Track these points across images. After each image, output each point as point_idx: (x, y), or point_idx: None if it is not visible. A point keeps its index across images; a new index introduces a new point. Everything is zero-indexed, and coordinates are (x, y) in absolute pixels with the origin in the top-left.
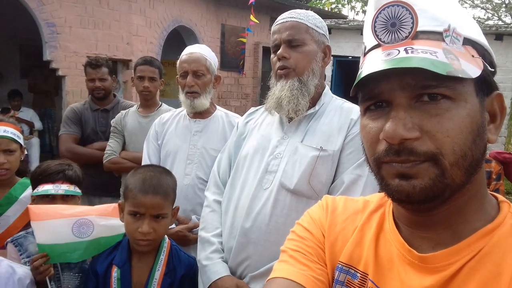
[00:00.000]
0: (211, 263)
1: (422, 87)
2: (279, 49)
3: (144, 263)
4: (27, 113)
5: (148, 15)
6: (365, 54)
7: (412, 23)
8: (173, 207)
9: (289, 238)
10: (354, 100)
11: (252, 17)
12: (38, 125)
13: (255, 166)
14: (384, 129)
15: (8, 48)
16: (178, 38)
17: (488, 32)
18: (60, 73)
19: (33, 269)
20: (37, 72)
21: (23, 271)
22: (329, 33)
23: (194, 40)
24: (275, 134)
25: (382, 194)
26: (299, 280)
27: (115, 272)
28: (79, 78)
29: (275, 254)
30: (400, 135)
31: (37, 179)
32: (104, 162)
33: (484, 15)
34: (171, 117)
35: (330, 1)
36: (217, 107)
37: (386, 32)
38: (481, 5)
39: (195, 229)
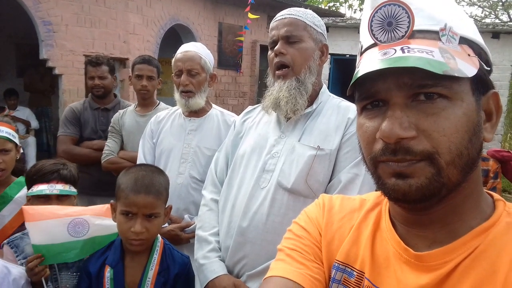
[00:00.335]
0: (208, 262)
1: (418, 87)
2: (276, 45)
3: (137, 262)
4: (24, 112)
5: (145, 13)
6: (361, 53)
7: (409, 22)
8: (166, 206)
9: (286, 237)
10: (351, 98)
11: (250, 15)
12: (34, 124)
13: (252, 165)
14: (381, 129)
15: (4, 47)
16: (175, 37)
17: (485, 30)
18: (56, 71)
19: (28, 270)
20: (32, 71)
21: (18, 271)
22: (327, 31)
23: (192, 38)
24: (272, 133)
25: (379, 192)
26: (296, 279)
27: (108, 272)
28: (76, 76)
29: (272, 253)
30: (397, 135)
31: (32, 179)
32: (102, 162)
33: (482, 13)
34: (166, 116)
35: None
36: (213, 105)
37: (383, 31)
38: (478, 3)
39: (187, 229)
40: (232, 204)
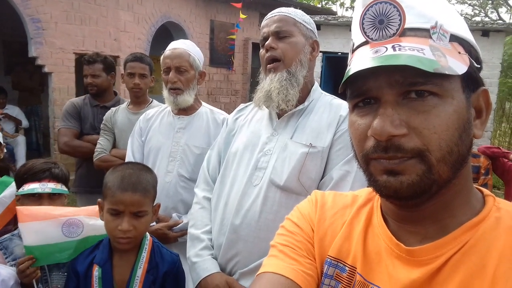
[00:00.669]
0: (200, 260)
1: (409, 84)
2: (267, 41)
3: (126, 261)
4: (13, 111)
5: (136, 10)
6: (353, 51)
7: (400, 20)
8: (154, 204)
9: (278, 233)
10: (343, 96)
11: (241, 14)
12: (25, 123)
13: (245, 162)
14: (372, 126)
15: None
16: (166, 34)
17: (475, 28)
18: (46, 69)
19: (19, 272)
20: (20, 69)
21: (7, 272)
22: (319, 29)
23: (183, 36)
24: (264, 130)
25: (371, 188)
26: (288, 275)
27: (96, 271)
28: (66, 75)
29: (264, 250)
30: (388, 132)
31: (22, 178)
32: (94, 160)
33: (472, 11)
34: (155, 114)
35: None
36: (203, 103)
37: (374, 29)
38: (469, 1)
39: (175, 227)
40: (224, 201)
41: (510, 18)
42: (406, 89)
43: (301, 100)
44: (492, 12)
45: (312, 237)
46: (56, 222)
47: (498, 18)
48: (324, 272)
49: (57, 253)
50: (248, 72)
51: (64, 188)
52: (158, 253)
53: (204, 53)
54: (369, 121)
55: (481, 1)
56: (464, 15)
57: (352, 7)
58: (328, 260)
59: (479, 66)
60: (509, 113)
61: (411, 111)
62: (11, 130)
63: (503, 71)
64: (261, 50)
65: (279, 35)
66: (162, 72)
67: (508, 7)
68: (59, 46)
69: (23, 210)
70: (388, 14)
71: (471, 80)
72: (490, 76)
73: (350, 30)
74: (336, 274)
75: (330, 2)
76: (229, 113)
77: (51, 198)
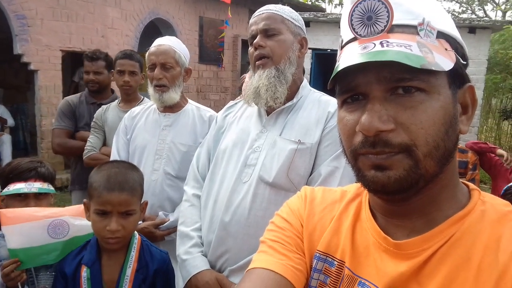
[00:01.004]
0: (190, 257)
1: (397, 80)
2: (256, 39)
3: (115, 260)
4: None
5: (123, 7)
6: (342, 47)
7: (388, 16)
8: (141, 202)
9: (268, 229)
10: (332, 92)
11: (230, 11)
12: (10, 121)
13: (234, 159)
14: (360, 122)
15: None
16: (155, 31)
17: (462, 25)
18: (32, 67)
19: (3, 275)
20: (5, 66)
21: None
22: (308, 26)
23: (172, 32)
24: (254, 127)
25: (359, 184)
26: (278, 270)
27: (84, 272)
28: (52, 72)
29: (254, 247)
30: (376, 127)
31: (7, 178)
32: (84, 158)
33: (459, 8)
34: (141, 111)
35: None
36: (189, 100)
37: (363, 26)
38: None
39: (162, 226)
40: (214, 199)
41: (496, 16)
42: (393, 85)
43: (290, 97)
44: (479, 10)
45: (302, 232)
46: (41, 224)
47: (484, 15)
48: (313, 266)
49: (44, 255)
50: (237, 69)
51: (50, 187)
52: (148, 252)
53: (193, 50)
54: (358, 116)
55: None
56: (451, 12)
57: (341, 4)
58: (317, 254)
59: (465, 62)
60: (495, 109)
61: (399, 106)
62: None
63: (489, 68)
64: (249, 48)
65: (267, 33)
66: (147, 69)
67: (494, 5)
68: (45, 43)
69: (6, 213)
70: (376, 11)
71: (457, 76)
72: (477, 72)
73: (339, 27)
74: (325, 268)
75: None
76: (219, 110)
77: (38, 198)
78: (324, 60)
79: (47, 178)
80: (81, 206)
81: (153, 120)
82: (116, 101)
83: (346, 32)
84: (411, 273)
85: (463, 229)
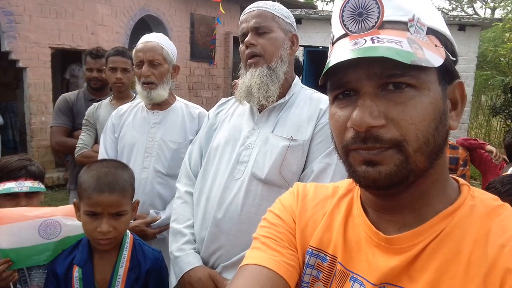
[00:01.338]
0: (183, 254)
1: (387, 76)
2: (247, 37)
3: (107, 260)
4: None
5: (113, 3)
6: (333, 43)
7: (378, 13)
8: (133, 201)
9: (261, 225)
10: (323, 89)
11: (221, 8)
12: None
13: (227, 156)
14: (352, 117)
15: None
16: (145, 28)
17: (452, 22)
18: (20, 64)
19: None
20: None
21: None
22: (300, 23)
23: (163, 29)
24: (246, 124)
25: (351, 180)
26: (270, 266)
27: (76, 272)
28: (41, 69)
29: (247, 243)
30: (367, 123)
31: None
32: (75, 156)
33: (449, 6)
34: (128, 109)
35: None
36: (177, 98)
37: (353, 22)
38: None
39: (153, 224)
40: (206, 196)
41: (485, 13)
42: (384, 81)
43: (282, 94)
44: (468, 7)
45: (294, 228)
46: (32, 224)
47: (474, 13)
48: (306, 262)
49: (35, 255)
50: (229, 66)
51: (41, 186)
52: (140, 251)
53: (184, 47)
54: (349, 112)
55: None
56: (441, 10)
57: (332, 1)
58: (310, 250)
59: (454, 59)
60: (485, 105)
61: (389, 102)
62: None
63: (479, 65)
64: (240, 46)
65: (258, 31)
66: (134, 66)
67: (483, 2)
68: (34, 40)
69: None
70: (367, 7)
71: (447, 73)
72: (467, 69)
73: (331, 24)
74: (318, 263)
75: None
76: (211, 107)
77: (28, 197)
78: (316, 57)
79: (37, 176)
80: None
81: (141, 117)
82: (108, 98)
83: (337, 28)
84: (403, 267)
85: (453, 224)
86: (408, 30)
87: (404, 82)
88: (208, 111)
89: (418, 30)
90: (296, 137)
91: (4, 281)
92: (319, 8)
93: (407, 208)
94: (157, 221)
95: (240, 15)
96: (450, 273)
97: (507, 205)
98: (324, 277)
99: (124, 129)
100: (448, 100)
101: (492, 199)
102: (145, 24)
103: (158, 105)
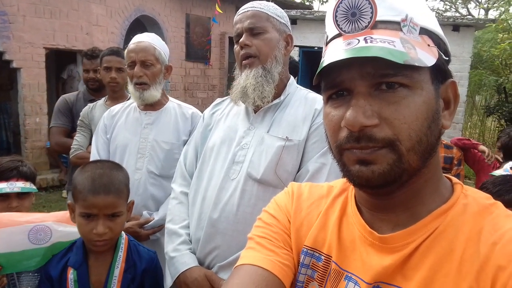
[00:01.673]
0: (179, 255)
1: (380, 76)
2: (241, 38)
3: (102, 261)
4: None
5: (108, 3)
6: (327, 43)
7: (372, 13)
8: (128, 201)
9: (256, 225)
10: (318, 89)
11: (217, 7)
12: None
13: (222, 157)
14: (345, 117)
15: None
16: (141, 28)
17: (446, 23)
18: (14, 65)
19: None
20: None
21: None
22: (295, 24)
23: (158, 30)
24: (241, 124)
25: (345, 179)
26: (265, 266)
27: (71, 274)
28: (36, 70)
29: (243, 243)
30: (360, 123)
31: None
32: (70, 157)
33: (443, 7)
34: (121, 110)
35: None
36: (170, 98)
37: (347, 22)
38: None
39: (146, 225)
40: (202, 196)
41: (478, 14)
42: (377, 81)
43: (277, 94)
44: (462, 8)
45: (289, 228)
46: (22, 229)
47: (467, 13)
48: (301, 261)
49: (24, 260)
50: (225, 67)
51: (32, 186)
52: (135, 251)
53: (180, 47)
54: (343, 112)
55: None
56: (435, 11)
57: (328, 1)
58: (304, 249)
59: (447, 58)
60: (479, 105)
61: (383, 102)
62: None
63: (473, 65)
64: (235, 46)
65: (253, 32)
66: (126, 66)
67: (477, 3)
68: (28, 41)
69: None
70: (360, 7)
71: (440, 72)
72: (461, 70)
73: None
74: (312, 263)
75: None
76: (206, 108)
77: (20, 197)
78: (312, 57)
79: (29, 177)
80: (67, 213)
81: (133, 118)
82: (103, 99)
83: (331, 28)
84: (396, 266)
85: (446, 222)
86: (401, 30)
87: (397, 82)
88: (203, 111)
89: (411, 30)
90: (291, 137)
91: None
92: (315, 8)
93: (401, 207)
94: (151, 222)
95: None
96: (444, 271)
97: (499, 203)
98: (319, 276)
99: (116, 130)
100: (441, 99)
101: (484, 197)
102: (140, 25)
103: (151, 106)
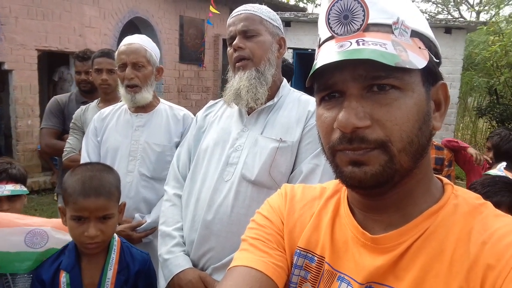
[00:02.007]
0: (173, 257)
1: (372, 78)
2: (234, 40)
3: (95, 264)
4: None
5: (101, 5)
6: (319, 45)
7: (364, 15)
8: (119, 203)
9: (249, 227)
10: (311, 91)
11: (212, 8)
12: None
13: (216, 158)
14: (338, 119)
15: None
16: (134, 30)
17: (438, 25)
18: (6, 67)
19: None
20: None
21: None
22: (289, 26)
23: (151, 32)
24: (235, 126)
25: (338, 180)
26: (259, 267)
27: (63, 277)
28: (28, 72)
29: (237, 245)
30: (352, 124)
31: None
32: (63, 160)
33: (435, 9)
34: (111, 112)
35: None
36: (161, 100)
37: (339, 24)
38: (432, 0)
39: (139, 228)
40: (196, 198)
41: (470, 16)
42: (369, 83)
43: (270, 96)
44: (454, 10)
45: (282, 229)
46: (20, 230)
47: (459, 16)
48: (294, 263)
49: (17, 262)
50: (219, 69)
51: (23, 188)
52: (128, 253)
53: (173, 49)
54: (335, 113)
55: None
56: (428, 13)
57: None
58: (298, 251)
59: (438, 60)
60: (471, 107)
61: (374, 104)
62: None
63: (465, 67)
64: (228, 49)
65: (246, 34)
66: (117, 68)
67: (469, 6)
68: (20, 42)
69: None
70: (352, 10)
71: (431, 74)
72: (453, 71)
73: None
74: (306, 264)
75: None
76: (200, 110)
77: (10, 200)
78: (305, 59)
79: (19, 179)
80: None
81: (124, 120)
82: (96, 101)
83: (323, 31)
84: (388, 266)
85: (437, 223)
86: (393, 33)
87: (388, 84)
88: (197, 113)
89: (402, 33)
90: (285, 138)
91: None
92: (309, 10)
93: (393, 208)
94: (143, 225)
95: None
96: (434, 271)
97: (488, 203)
98: (312, 277)
99: (107, 132)
100: (431, 101)
101: (474, 197)
102: (133, 26)
103: (142, 108)
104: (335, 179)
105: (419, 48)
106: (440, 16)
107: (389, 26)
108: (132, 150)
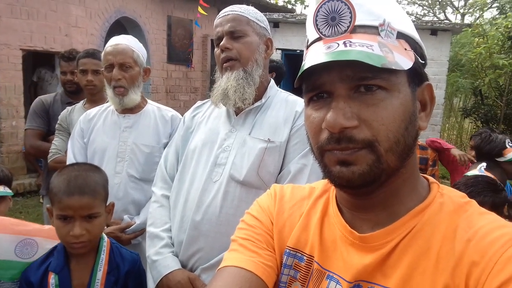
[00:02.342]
0: (161, 258)
1: (359, 79)
2: (222, 41)
3: (84, 265)
4: None
5: (88, 5)
6: (307, 46)
7: (351, 17)
8: (107, 203)
9: (239, 227)
10: (299, 91)
11: (200, 9)
12: None
13: (204, 159)
14: (326, 119)
15: None
16: (121, 30)
17: (424, 27)
18: None
19: None
20: None
21: None
22: (277, 27)
23: (139, 32)
24: (223, 127)
25: (327, 180)
26: (249, 267)
27: (52, 279)
28: (12, 72)
29: (226, 245)
30: (340, 124)
31: None
32: (48, 161)
33: (421, 11)
34: (98, 113)
35: None
36: (148, 101)
37: (327, 26)
38: (418, 2)
39: (128, 229)
40: (184, 198)
41: (455, 18)
42: (356, 83)
43: (258, 97)
44: (440, 13)
45: (271, 229)
46: (12, 238)
47: (445, 18)
48: (284, 262)
49: (2, 269)
50: (207, 69)
51: (7, 190)
52: (118, 254)
53: (161, 49)
54: (323, 114)
55: (430, 2)
56: (414, 15)
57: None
58: (287, 250)
59: (423, 62)
60: (456, 107)
61: (362, 104)
62: None
63: (451, 68)
64: (216, 49)
65: (233, 35)
66: (103, 69)
67: (454, 8)
68: (4, 42)
69: None
70: (339, 12)
71: (416, 75)
72: (439, 73)
73: None
74: (295, 263)
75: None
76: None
77: None
78: (294, 60)
79: (3, 181)
80: None
81: (112, 121)
82: (82, 102)
83: (311, 32)
84: (376, 264)
85: (423, 221)
86: (379, 34)
87: (375, 85)
88: (185, 114)
89: (389, 34)
90: (273, 139)
91: None
92: (298, 11)
93: (380, 206)
94: (132, 227)
95: None
96: (421, 269)
97: (473, 201)
98: (302, 276)
99: (94, 134)
100: (417, 101)
101: (460, 196)
102: (120, 26)
103: (129, 109)
104: (323, 178)
105: (405, 49)
106: (426, 18)
107: (376, 28)
108: (120, 151)
